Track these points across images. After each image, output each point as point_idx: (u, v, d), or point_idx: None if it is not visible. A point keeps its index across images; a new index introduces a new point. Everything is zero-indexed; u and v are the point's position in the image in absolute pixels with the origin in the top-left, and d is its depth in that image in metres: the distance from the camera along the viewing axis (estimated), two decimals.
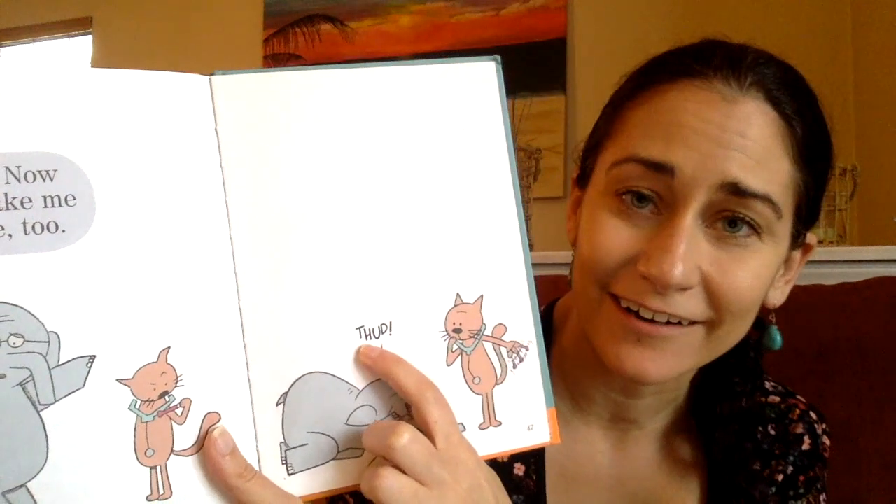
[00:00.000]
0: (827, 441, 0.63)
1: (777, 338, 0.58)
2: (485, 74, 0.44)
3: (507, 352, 0.44)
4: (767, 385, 0.64)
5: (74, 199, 0.35)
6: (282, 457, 0.40)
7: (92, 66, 3.06)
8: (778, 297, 0.55)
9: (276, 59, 2.75)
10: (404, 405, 0.42)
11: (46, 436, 0.34)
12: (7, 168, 0.34)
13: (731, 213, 0.48)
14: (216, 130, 0.39)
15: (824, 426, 0.63)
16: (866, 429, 0.85)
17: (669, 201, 0.49)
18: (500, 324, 0.44)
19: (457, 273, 0.43)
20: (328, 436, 0.41)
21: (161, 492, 0.37)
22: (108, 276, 0.36)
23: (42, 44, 3.23)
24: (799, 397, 0.64)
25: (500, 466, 0.57)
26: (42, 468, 0.34)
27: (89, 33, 3.08)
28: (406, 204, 0.42)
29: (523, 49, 2.43)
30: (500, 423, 0.44)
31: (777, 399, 0.64)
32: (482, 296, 0.43)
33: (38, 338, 0.34)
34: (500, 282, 0.44)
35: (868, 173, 1.52)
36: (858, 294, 0.93)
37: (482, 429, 0.44)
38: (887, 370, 0.87)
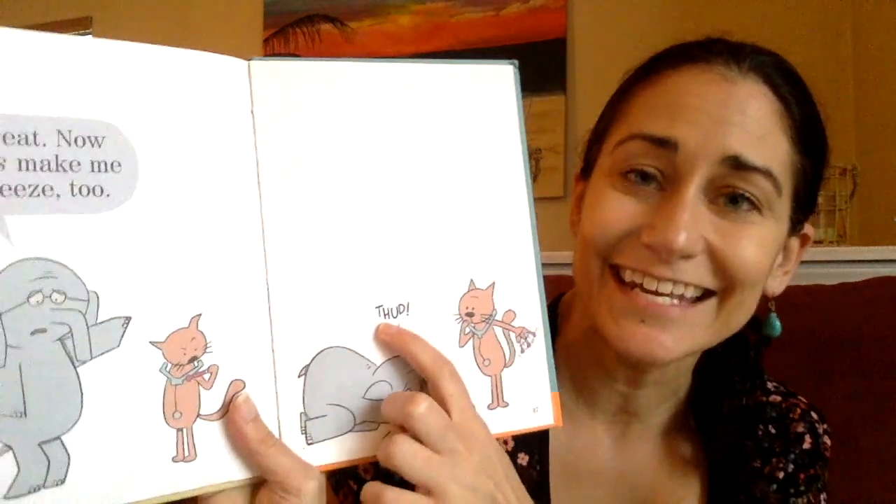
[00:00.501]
0: (828, 441, 0.63)
1: (776, 324, 0.59)
2: (504, 76, 0.47)
3: (516, 337, 0.46)
4: (769, 385, 0.65)
5: (120, 165, 0.37)
6: (301, 426, 0.41)
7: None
8: (776, 287, 0.56)
9: None
10: (419, 382, 0.44)
11: (82, 391, 0.36)
12: (59, 131, 0.35)
13: (731, 189, 0.49)
14: (252, 112, 0.41)
15: (825, 426, 0.64)
16: (866, 429, 0.85)
17: (673, 177, 0.50)
18: (510, 310, 0.46)
19: (471, 260, 0.45)
20: (346, 408, 0.42)
21: (186, 454, 0.38)
22: (147, 241, 0.37)
23: None
24: (800, 397, 0.65)
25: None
26: (76, 423, 0.35)
27: (89, 33, 3.08)
28: (425, 193, 0.44)
29: (523, 49, 2.43)
30: (507, 405, 0.46)
31: (778, 398, 0.64)
32: (494, 283, 0.46)
33: (79, 296, 0.36)
34: (511, 270, 0.46)
35: (868, 173, 1.52)
36: (858, 294, 0.93)
37: (490, 409, 0.45)
38: (887, 370, 0.87)
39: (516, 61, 0.47)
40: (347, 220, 0.43)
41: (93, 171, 0.36)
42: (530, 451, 0.60)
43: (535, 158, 1.53)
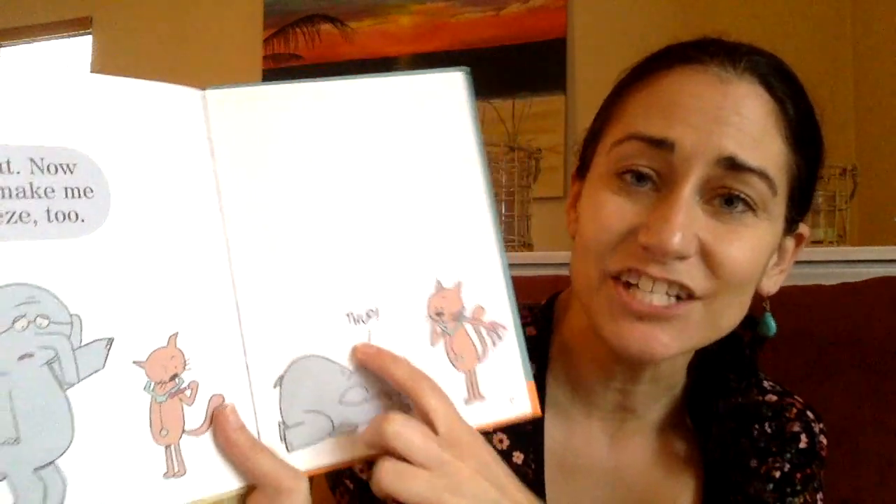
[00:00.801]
0: (824, 440, 0.63)
1: (771, 324, 0.59)
2: (455, 82, 0.49)
3: (487, 331, 0.47)
4: (765, 384, 0.65)
5: (92, 191, 0.38)
6: (281, 435, 0.42)
7: (92, 66, 3.06)
8: (771, 286, 0.56)
9: (276, 59, 2.75)
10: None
11: (72, 414, 0.36)
12: (31, 159, 0.36)
13: (727, 190, 0.49)
14: (209, 137, 0.43)
15: (821, 426, 0.64)
16: (866, 429, 0.85)
17: (668, 178, 0.50)
18: (479, 306, 0.47)
19: (436, 261, 0.46)
20: (324, 414, 0.43)
21: (176, 469, 0.39)
22: (123, 264, 0.38)
23: (42, 44, 3.23)
24: (796, 397, 0.65)
25: (499, 453, 0.58)
26: (69, 446, 0.36)
27: (89, 33, 3.08)
28: (386, 200, 0.46)
29: (523, 49, 2.43)
30: (483, 398, 0.47)
31: (774, 398, 0.64)
32: (461, 281, 0.47)
33: (62, 319, 0.36)
34: (477, 268, 0.47)
35: (868, 173, 1.52)
36: (858, 294, 0.93)
37: (468, 403, 0.46)
38: (887, 370, 0.87)
39: (468, 68, 0.49)
40: (311, 232, 0.44)
41: (67, 197, 0.37)
42: (525, 450, 0.60)
43: (534, 158, 1.53)
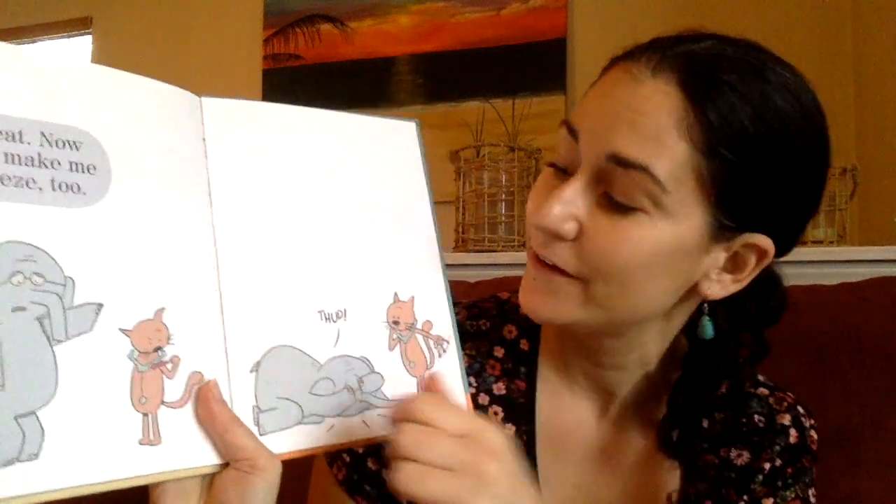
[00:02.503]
0: (815, 434, 0.63)
1: (707, 328, 0.58)
2: (408, 129, 0.57)
3: (434, 343, 0.53)
4: (759, 378, 0.65)
5: (95, 169, 0.41)
6: (255, 418, 0.45)
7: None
8: (715, 290, 0.55)
9: (276, 59, 2.75)
10: (357, 379, 0.49)
11: (57, 370, 0.38)
12: (42, 133, 0.40)
13: (613, 185, 0.51)
14: (204, 139, 0.47)
15: (812, 421, 0.64)
16: (866, 429, 0.85)
17: (573, 168, 0.54)
18: (428, 320, 0.53)
19: (394, 276, 0.53)
20: (295, 402, 0.46)
21: (152, 437, 0.40)
22: (118, 237, 0.41)
23: (42, 44, 3.23)
24: (788, 393, 0.65)
25: None
26: (52, 399, 0.37)
27: (89, 33, 3.08)
28: (355, 217, 0.52)
29: (523, 49, 2.43)
30: None
31: (766, 392, 0.65)
32: (413, 296, 0.53)
33: (56, 280, 0.38)
34: (426, 287, 0.54)
35: (868, 173, 1.52)
36: (858, 294, 0.93)
37: None
38: (887, 370, 0.87)
39: (418, 119, 0.58)
40: (291, 233, 0.49)
41: (71, 170, 0.40)
42: (517, 422, 0.63)
43: (534, 158, 1.53)
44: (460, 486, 0.42)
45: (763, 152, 0.50)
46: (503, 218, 1.50)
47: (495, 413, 0.63)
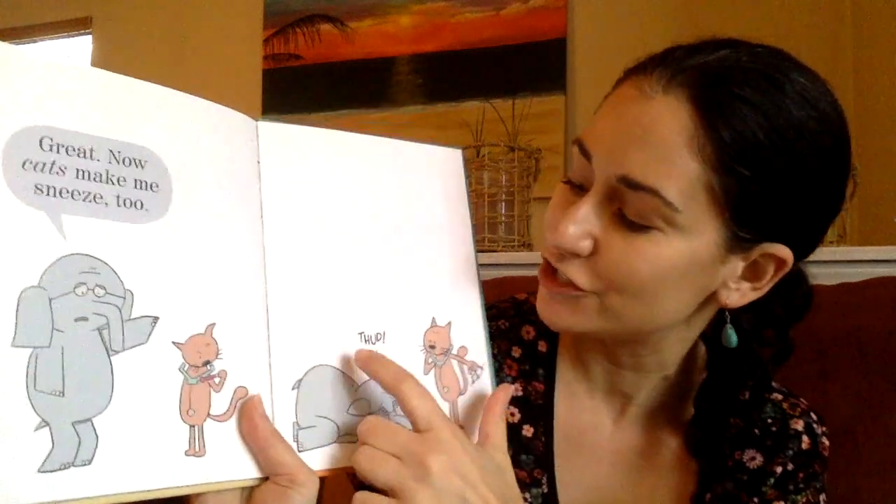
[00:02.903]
0: (826, 441, 0.64)
1: (732, 336, 0.58)
2: (454, 156, 0.59)
3: (468, 369, 0.54)
4: (773, 384, 0.66)
5: (158, 187, 0.43)
6: (294, 434, 0.46)
7: (92, 66, 3.05)
8: (734, 299, 0.55)
9: (276, 59, 2.75)
10: (392, 402, 0.49)
11: (113, 379, 0.39)
12: (111, 151, 0.42)
13: (624, 205, 0.51)
14: (258, 162, 0.49)
15: (824, 428, 0.65)
16: (866, 429, 0.85)
17: (588, 186, 0.54)
18: (463, 346, 0.54)
19: (433, 302, 0.54)
20: (332, 420, 0.48)
21: (197, 448, 0.41)
22: (175, 254, 0.43)
23: (42, 44, 3.23)
24: (801, 399, 0.65)
25: (510, 427, 0.63)
26: (107, 407, 0.39)
27: (89, 33, 3.08)
28: (398, 243, 0.53)
29: (523, 49, 2.43)
30: (462, 428, 0.50)
31: (780, 397, 0.65)
32: (450, 322, 0.54)
33: (117, 292, 0.40)
34: (463, 313, 0.55)
35: (868, 173, 1.52)
36: (858, 294, 0.93)
37: None
38: (887, 370, 0.87)
39: (463, 147, 0.60)
40: (335, 259, 0.50)
41: (136, 188, 0.42)
42: (535, 423, 0.64)
43: (534, 158, 1.53)
44: (406, 473, 0.43)
45: (778, 165, 0.49)
46: (503, 218, 1.50)
47: (511, 414, 0.64)
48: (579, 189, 0.55)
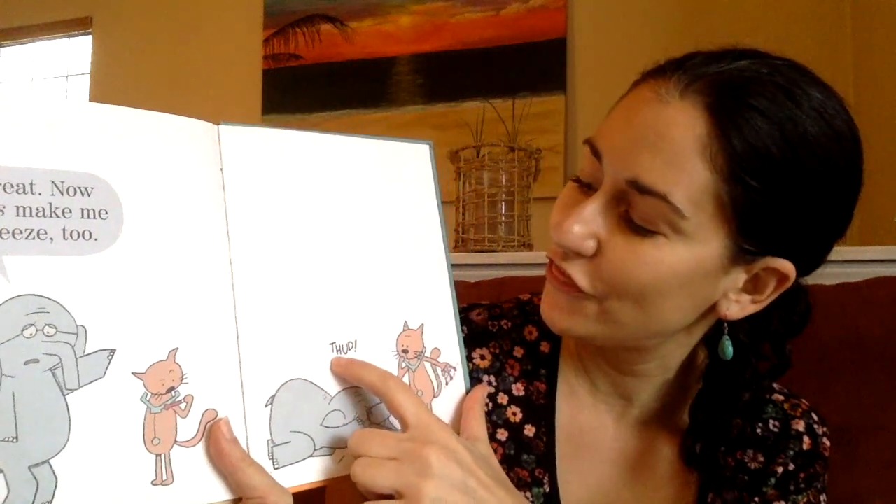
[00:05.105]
0: (827, 442, 0.64)
1: (728, 348, 0.57)
2: (422, 152, 0.56)
3: (441, 371, 0.53)
4: (774, 386, 0.66)
5: (107, 213, 0.41)
6: (269, 452, 0.45)
7: (92, 66, 3.06)
8: (733, 311, 0.54)
9: (276, 59, 2.75)
10: (366, 411, 0.49)
11: (70, 418, 0.38)
12: (53, 182, 0.40)
13: (632, 208, 0.50)
14: (221, 169, 0.46)
15: (825, 429, 0.65)
16: (866, 429, 0.86)
17: (597, 186, 0.54)
18: (436, 347, 0.53)
19: (404, 305, 0.52)
20: (307, 435, 0.47)
21: (164, 477, 0.41)
22: (130, 281, 0.41)
23: (42, 44, 3.23)
24: (803, 400, 0.66)
25: (512, 426, 0.63)
26: (64, 447, 0.38)
27: (89, 33, 3.09)
28: (365, 247, 0.51)
29: (523, 49, 2.43)
30: None
31: (781, 398, 0.65)
32: (423, 324, 0.53)
33: (68, 329, 0.39)
34: (435, 314, 0.54)
35: (868, 173, 1.52)
36: (858, 294, 0.93)
37: None
38: (887, 370, 0.87)
39: (431, 142, 0.57)
40: (305, 267, 0.48)
41: (83, 217, 0.40)
42: (536, 424, 0.63)
43: (534, 158, 1.53)
44: (407, 471, 0.43)
45: (789, 179, 0.49)
46: (503, 218, 1.50)
47: (513, 414, 0.64)
48: (588, 188, 0.55)
